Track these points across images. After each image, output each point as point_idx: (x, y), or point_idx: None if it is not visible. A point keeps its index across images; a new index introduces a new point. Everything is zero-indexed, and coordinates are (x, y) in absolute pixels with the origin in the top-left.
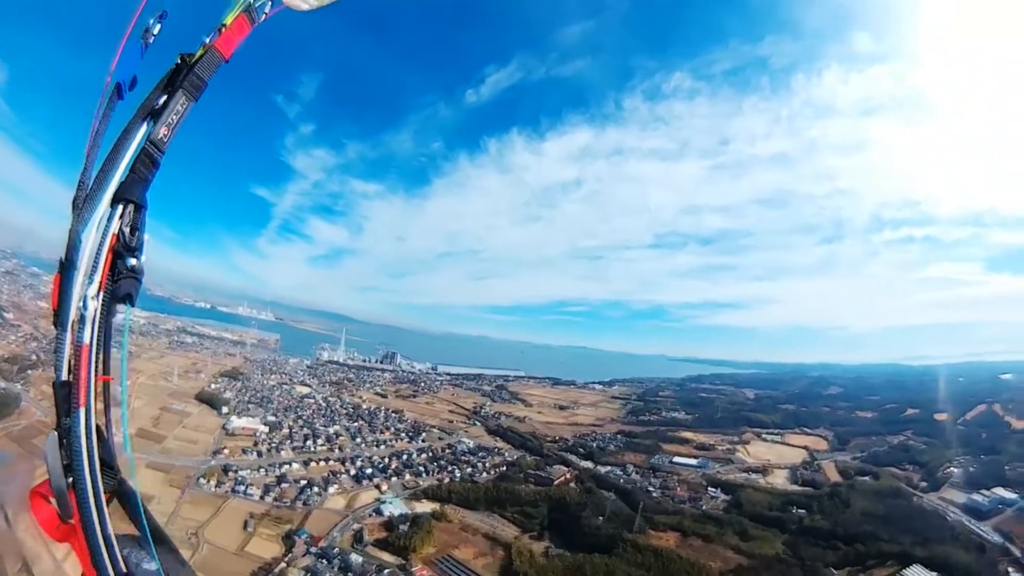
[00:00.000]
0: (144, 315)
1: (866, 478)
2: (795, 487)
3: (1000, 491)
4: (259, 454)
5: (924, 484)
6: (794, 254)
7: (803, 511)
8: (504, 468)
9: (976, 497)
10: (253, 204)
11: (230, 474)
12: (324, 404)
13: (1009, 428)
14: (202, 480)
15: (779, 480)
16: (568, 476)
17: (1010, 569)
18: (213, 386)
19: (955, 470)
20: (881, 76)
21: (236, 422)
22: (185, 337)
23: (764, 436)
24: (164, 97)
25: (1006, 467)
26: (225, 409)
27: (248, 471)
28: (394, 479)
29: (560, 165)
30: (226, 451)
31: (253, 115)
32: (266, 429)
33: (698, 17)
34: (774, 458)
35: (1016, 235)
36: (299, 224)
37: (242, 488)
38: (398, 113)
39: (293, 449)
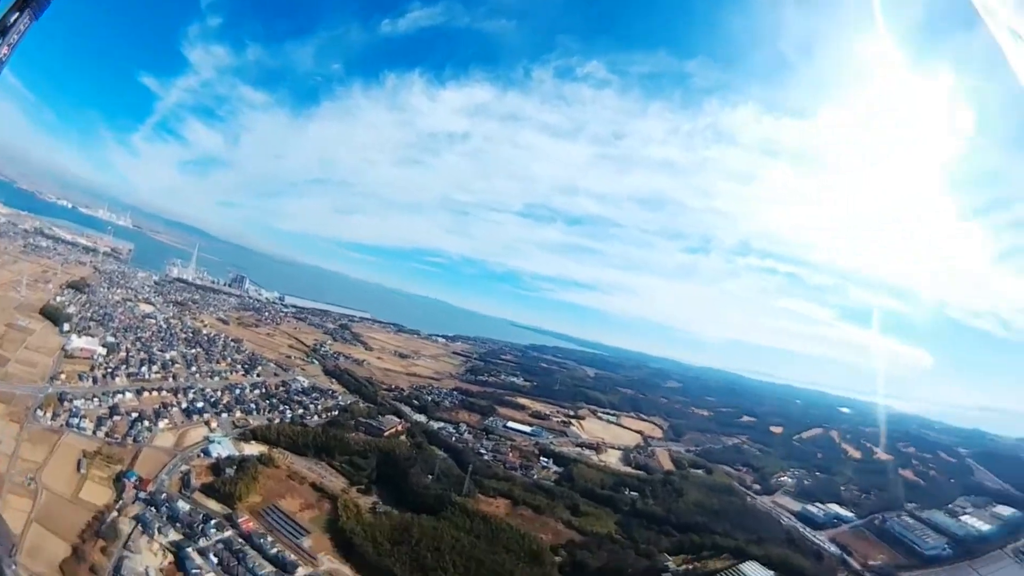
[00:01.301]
0: (6, 212)
1: (699, 471)
2: (628, 469)
3: (835, 507)
4: (94, 380)
5: (757, 487)
6: (658, 254)
7: (636, 494)
8: (336, 413)
9: (811, 508)
10: (137, 93)
11: (65, 404)
12: (165, 326)
13: (846, 455)
14: (39, 412)
15: (612, 460)
16: (400, 428)
17: None
18: (59, 299)
19: (788, 480)
20: (793, 128)
21: (75, 342)
22: (41, 240)
23: (600, 415)
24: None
25: (842, 487)
26: (67, 327)
27: (83, 400)
28: (224, 416)
29: (453, 116)
30: (63, 376)
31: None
32: (104, 351)
33: (639, 17)
34: (609, 438)
35: (870, 296)
36: (178, 123)
37: (76, 421)
38: (309, 25)
39: (128, 376)
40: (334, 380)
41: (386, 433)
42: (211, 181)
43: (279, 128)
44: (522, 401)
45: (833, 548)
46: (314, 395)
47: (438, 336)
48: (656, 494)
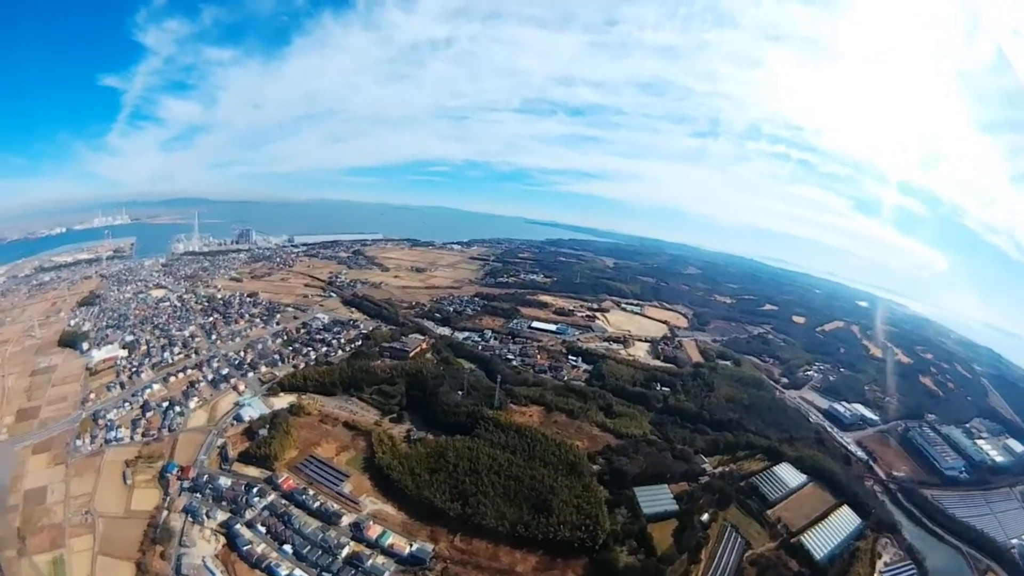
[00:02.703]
0: (2, 271)
1: (727, 363)
2: (657, 362)
3: (860, 407)
4: (121, 385)
5: (785, 380)
6: (664, 139)
7: (667, 389)
8: (359, 343)
9: (838, 407)
10: (101, 96)
11: (100, 422)
12: (179, 304)
13: (867, 352)
14: (78, 441)
15: (640, 353)
16: (424, 346)
17: (876, 487)
18: (73, 322)
19: (814, 374)
20: (800, 13)
21: (96, 356)
22: (43, 276)
23: (624, 306)
24: None
25: (865, 387)
26: (86, 345)
27: (114, 411)
28: (250, 374)
29: (432, 23)
30: (92, 395)
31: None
32: (125, 353)
33: None
34: (634, 329)
35: (885, 190)
36: (151, 107)
37: (112, 434)
38: None
39: (152, 367)
40: (354, 309)
41: (411, 354)
42: (198, 149)
43: (254, 77)
44: (544, 299)
45: (859, 452)
46: (335, 329)
47: (453, 244)
48: (687, 389)
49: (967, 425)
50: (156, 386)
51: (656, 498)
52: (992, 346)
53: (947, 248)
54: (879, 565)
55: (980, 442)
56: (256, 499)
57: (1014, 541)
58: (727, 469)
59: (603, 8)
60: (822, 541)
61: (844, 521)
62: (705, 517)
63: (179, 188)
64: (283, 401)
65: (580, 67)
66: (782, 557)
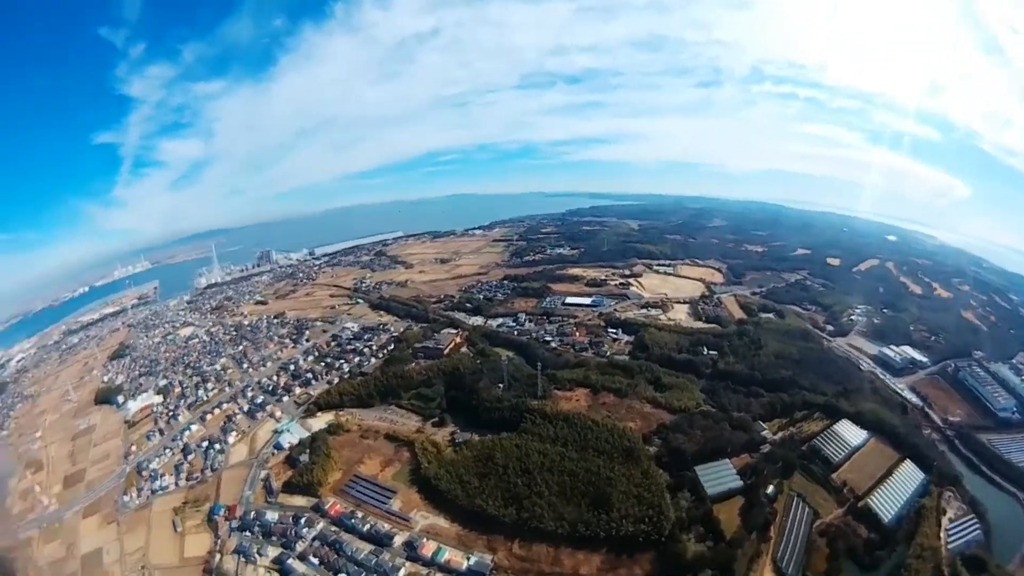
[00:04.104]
0: (29, 344)
1: (770, 315)
2: (699, 324)
3: (908, 350)
4: (160, 432)
5: (830, 328)
6: (667, 94)
7: (714, 352)
8: (391, 347)
9: (887, 351)
10: (99, 154)
11: (144, 473)
12: (208, 338)
13: (906, 289)
14: (125, 497)
15: (681, 316)
16: (458, 340)
17: (935, 435)
18: (106, 377)
19: (858, 318)
20: None
21: (132, 407)
22: (71, 338)
23: (656, 268)
24: None
25: (911, 327)
26: (121, 398)
27: (156, 459)
28: (285, 398)
29: (414, 16)
30: (133, 447)
31: (80, 69)
32: (159, 399)
33: None
34: (670, 291)
35: (897, 120)
36: (151, 153)
37: (158, 484)
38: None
39: (188, 407)
40: (382, 312)
41: (446, 351)
42: (206, 183)
43: (247, 103)
44: (574, 271)
45: (913, 398)
46: (366, 337)
47: (474, 230)
48: (735, 349)
49: (1013, 361)
50: (194, 427)
51: (719, 476)
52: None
53: (965, 174)
54: (944, 522)
55: None
56: (305, 530)
57: None
58: (787, 434)
59: None
60: (888, 502)
61: (908, 478)
62: (770, 490)
63: (194, 224)
64: (321, 421)
65: (571, 35)
66: (850, 524)
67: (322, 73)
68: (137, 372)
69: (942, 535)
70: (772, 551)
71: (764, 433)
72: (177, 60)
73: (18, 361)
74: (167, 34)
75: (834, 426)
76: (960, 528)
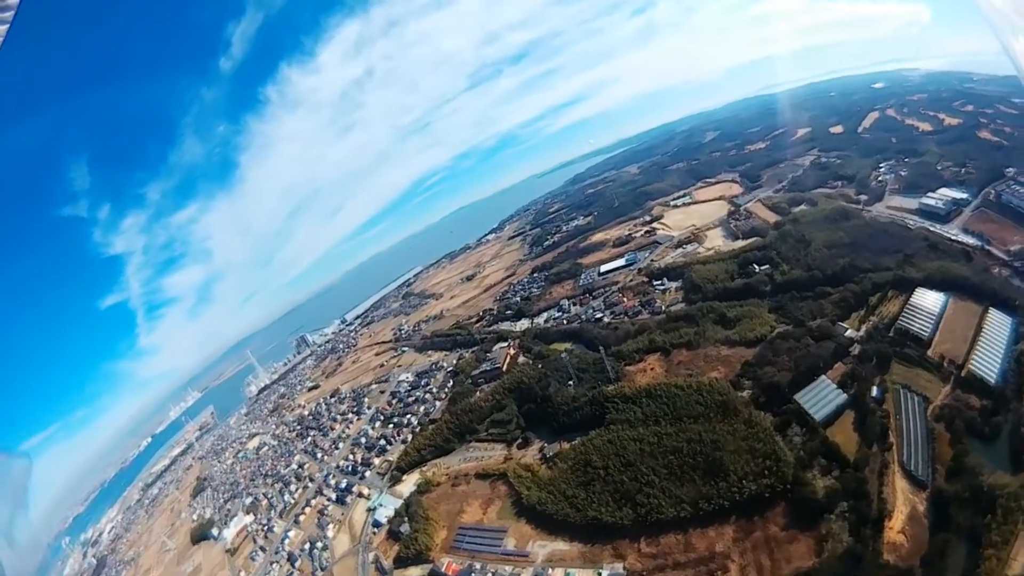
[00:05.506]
0: (116, 509)
1: (802, 207)
2: (739, 243)
3: (948, 191)
4: (262, 549)
5: (864, 198)
6: (609, 34)
7: (766, 266)
8: (451, 384)
9: (927, 201)
10: (111, 317)
11: None
12: (275, 442)
13: (917, 130)
14: None
15: (718, 242)
16: (512, 351)
17: (1004, 272)
18: (195, 516)
19: (886, 176)
20: None
21: (228, 534)
22: (151, 491)
23: (673, 203)
24: None
25: (938, 167)
26: (215, 530)
27: None
28: (368, 473)
29: (343, 67)
30: (241, 573)
31: (59, 255)
32: (251, 518)
33: None
34: (697, 221)
35: None
36: (157, 295)
37: None
38: (169, 129)
39: (280, 515)
40: (430, 352)
41: (504, 367)
42: (221, 298)
43: (227, 214)
44: (596, 237)
45: (970, 240)
46: (422, 383)
47: (487, 236)
48: (784, 256)
49: None
50: (291, 533)
51: (822, 396)
52: (1012, 73)
53: None
54: None
55: None
56: None
57: None
58: (870, 325)
59: None
60: (988, 361)
61: (998, 327)
62: (875, 392)
63: (226, 338)
64: (409, 484)
65: (496, 19)
66: (960, 398)
67: (285, 153)
68: (222, 500)
69: None
70: (897, 456)
71: (848, 333)
72: (144, 204)
73: (110, 531)
74: (124, 185)
75: (912, 299)
76: None
